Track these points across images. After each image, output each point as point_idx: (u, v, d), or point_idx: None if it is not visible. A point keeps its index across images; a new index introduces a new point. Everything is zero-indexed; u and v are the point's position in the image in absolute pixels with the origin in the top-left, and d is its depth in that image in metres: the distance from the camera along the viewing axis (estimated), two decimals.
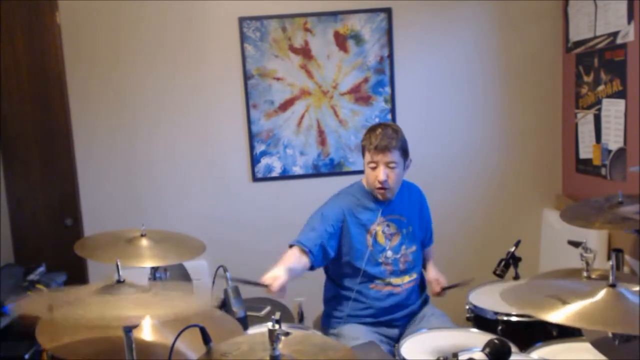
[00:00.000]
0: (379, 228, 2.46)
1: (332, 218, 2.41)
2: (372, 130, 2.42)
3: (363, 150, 2.45)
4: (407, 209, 2.53)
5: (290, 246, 2.35)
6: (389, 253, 2.46)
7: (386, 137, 2.35)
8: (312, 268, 2.36)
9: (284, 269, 2.14)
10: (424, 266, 2.67)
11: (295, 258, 2.27)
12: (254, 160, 3.56)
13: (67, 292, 1.44)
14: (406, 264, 2.48)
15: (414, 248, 2.51)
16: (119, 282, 1.42)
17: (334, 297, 2.52)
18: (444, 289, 2.55)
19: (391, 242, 2.47)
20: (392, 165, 2.37)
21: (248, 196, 3.59)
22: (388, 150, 2.35)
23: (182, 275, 2.68)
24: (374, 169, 2.39)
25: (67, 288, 1.52)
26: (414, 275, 2.51)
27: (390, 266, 2.46)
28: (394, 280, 2.46)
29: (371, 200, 2.49)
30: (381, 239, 2.46)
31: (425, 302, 2.59)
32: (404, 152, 2.42)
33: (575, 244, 2.28)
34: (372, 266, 2.44)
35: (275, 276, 2.10)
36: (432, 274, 2.64)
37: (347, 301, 2.47)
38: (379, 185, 2.39)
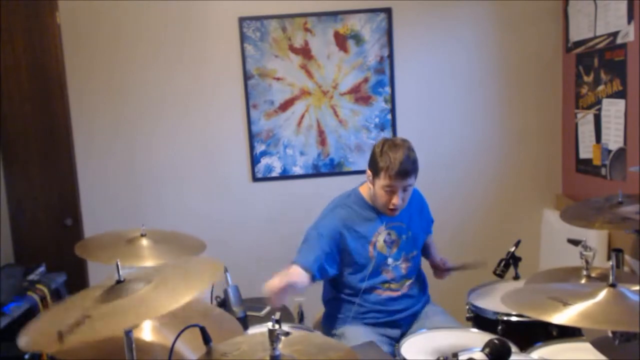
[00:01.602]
0: (381, 237, 2.42)
1: (329, 237, 2.35)
2: (391, 151, 2.28)
3: (376, 170, 2.31)
4: (406, 214, 2.49)
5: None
6: (390, 260, 2.43)
7: (408, 162, 2.27)
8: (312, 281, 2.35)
9: (285, 280, 2.12)
10: (427, 254, 2.62)
11: (298, 275, 2.25)
12: (254, 160, 3.56)
13: (70, 306, 1.42)
14: (407, 269, 2.47)
15: (414, 252, 2.50)
16: (119, 282, 1.42)
17: (334, 299, 2.51)
18: (449, 269, 2.45)
19: (392, 250, 2.44)
20: (407, 188, 2.34)
21: (248, 196, 3.58)
22: (408, 176, 2.29)
23: None
24: (389, 192, 2.31)
25: (69, 298, 1.51)
26: (413, 278, 2.49)
27: (391, 273, 2.43)
28: (394, 285, 2.44)
29: (371, 211, 2.44)
30: (383, 249, 2.43)
31: (426, 301, 2.58)
32: (417, 172, 2.36)
33: (574, 242, 2.28)
34: (374, 276, 2.41)
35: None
36: (437, 257, 2.56)
37: (348, 305, 2.45)
38: (392, 207, 2.34)
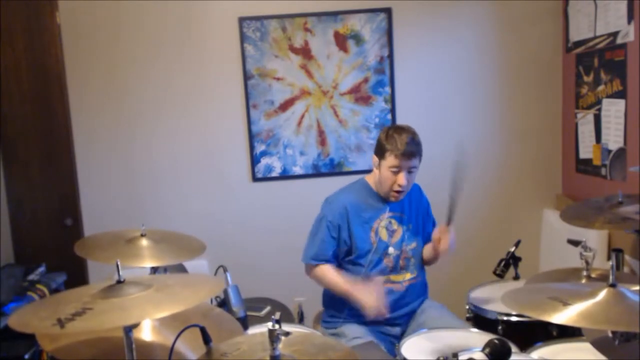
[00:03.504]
0: (382, 224, 2.48)
1: (335, 223, 2.45)
2: (396, 133, 2.38)
3: (383, 152, 2.40)
4: (407, 205, 2.55)
5: (311, 265, 2.48)
6: (391, 249, 2.47)
7: (413, 143, 2.38)
8: None
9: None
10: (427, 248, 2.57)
11: (337, 273, 2.44)
12: (254, 160, 3.56)
13: (67, 298, 1.42)
14: (405, 260, 2.49)
15: (413, 245, 2.52)
16: (119, 282, 1.42)
17: (333, 296, 2.52)
18: (448, 222, 2.41)
19: (393, 238, 2.49)
20: (412, 170, 2.41)
21: (248, 196, 3.58)
22: (413, 156, 2.38)
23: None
24: (395, 173, 2.38)
25: (66, 292, 1.51)
26: (415, 273, 2.51)
27: (391, 262, 2.47)
28: (394, 277, 2.47)
29: (376, 199, 2.51)
30: (384, 236, 2.48)
31: (424, 300, 2.59)
32: (421, 157, 2.45)
33: (574, 243, 2.29)
34: (375, 263, 2.45)
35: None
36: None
37: (347, 300, 2.46)
38: (398, 189, 2.40)
